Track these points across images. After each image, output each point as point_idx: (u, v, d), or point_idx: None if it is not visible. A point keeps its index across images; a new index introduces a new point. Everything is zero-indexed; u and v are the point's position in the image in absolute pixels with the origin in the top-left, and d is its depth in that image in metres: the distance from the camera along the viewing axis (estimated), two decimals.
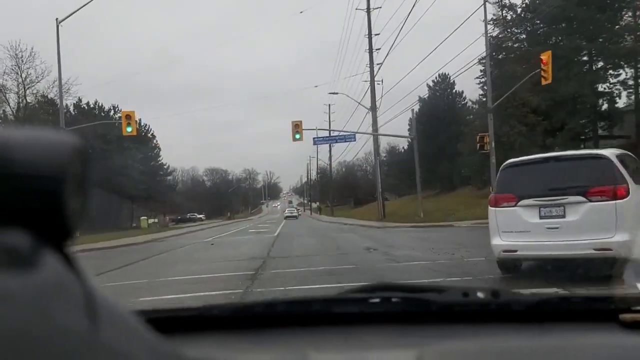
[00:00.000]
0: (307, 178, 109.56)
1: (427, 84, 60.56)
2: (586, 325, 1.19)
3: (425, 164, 63.36)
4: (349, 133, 29.24)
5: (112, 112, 48.08)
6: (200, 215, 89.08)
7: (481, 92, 50.51)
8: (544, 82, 19.05)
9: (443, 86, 61.48)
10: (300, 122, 27.20)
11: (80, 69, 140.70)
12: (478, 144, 23.46)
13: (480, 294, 1.23)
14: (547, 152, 27.65)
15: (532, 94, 29.06)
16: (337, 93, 34.62)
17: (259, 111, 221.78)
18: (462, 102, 61.47)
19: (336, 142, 29.49)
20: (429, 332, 1.17)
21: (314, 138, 28.41)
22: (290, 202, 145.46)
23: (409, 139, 76.82)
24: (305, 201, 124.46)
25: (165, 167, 58.19)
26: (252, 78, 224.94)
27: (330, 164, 67.61)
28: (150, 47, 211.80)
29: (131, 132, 23.98)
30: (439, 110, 59.62)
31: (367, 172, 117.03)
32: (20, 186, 0.39)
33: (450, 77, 60.81)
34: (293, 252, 13.44)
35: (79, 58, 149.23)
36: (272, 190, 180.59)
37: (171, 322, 1.16)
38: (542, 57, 18.54)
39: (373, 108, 32.52)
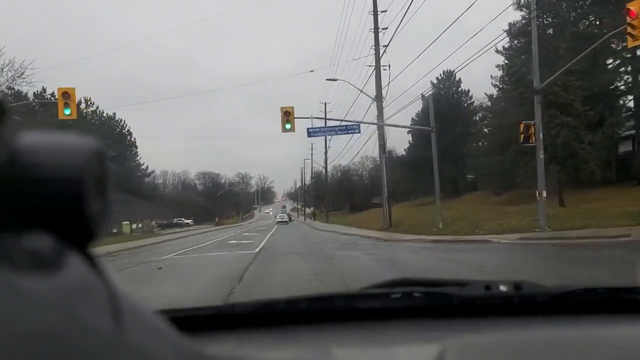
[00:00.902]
0: (301, 182, 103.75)
1: (431, 81, 54.80)
2: (611, 317, 1.15)
3: (427, 167, 57.73)
4: (351, 123, 23.37)
5: (82, 105, 42.06)
6: (188, 221, 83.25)
7: (496, 87, 44.97)
8: (631, 44, 13.38)
9: (448, 84, 55.81)
10: (292, 108, 21.37)
11: (73, 66, 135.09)
12: (522, 135, 17.64)
13: (502, 287, 1.18)
14: (592, 149, 21.60)
15: (575, 77, 23.39)
16: (336, 79, 28.34)
17: (253, 115, 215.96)
18: (468, 102, 55.81)
19: (336, 133, 23.65)
20: (451, 326, 1.15)
21: (308, 129, 22.59)
22: (284, 206, 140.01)
23: (409, 141, 71.32)
24: (299, 206, 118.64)
25: (143, 167, 52.00)
26: (248, 81, 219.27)
27: (326, 165, 61.65)
28: (144, 47, 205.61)
29: (70, 115, 18.07)
30: (443, 109, 53.90)
31: (363, 177, 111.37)
32: (42, 190, 0.39)
33: (455, 74, 55.20)
34: (271, 295, 7.53)
35: (71, 54, 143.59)
36: (265, 196, 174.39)
37: (194, 321, 1.14)
38: (630, 7, 12.82)
39: (378, 97, 26.73)
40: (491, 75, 44.38)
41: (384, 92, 26.86)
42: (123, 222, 60.54)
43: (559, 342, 1.05)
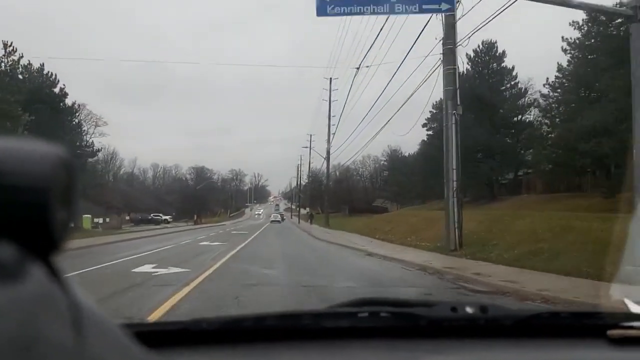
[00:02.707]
0: (297, 178, 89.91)
1: (467, 54, 41.49)
2: (575, 341, 1.14)
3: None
4: None
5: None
6: (167, 217, 70.01)
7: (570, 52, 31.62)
8: None
9: (487, 58, 42.22)
10: None
11: (79, 61, 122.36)
12: None
13: (469, 309, 1.16)
14: None
15: None
16: None
17: (251, 112, 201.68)
18: (513, 82, 42.08)
19: (389, 10, 9.45)
20: (418, 346, 1.12)
21: None
22: (277, 205, 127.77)
23: (427, 133, 57.56)
24: (294, 206, 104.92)
25: (87, 144, 37.85)
26: (247, 77, 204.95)
27: (329, 156, 47.51)
28: (144, 41, 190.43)
29: None
30: (480, 90, 40.51)
31: (363, 178, 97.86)
32: (5, 197, 0.36)
33: (497, 46, 41.76)
34: None
35: (76, 49, 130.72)
36: (260, 194, 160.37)
37: (159, 336, 1.07)
38: None
39: None
40: (562, 37, 31.02)
41: None
42: (84, 216, 46.57)
43: None
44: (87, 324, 0.37)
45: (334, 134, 44.15)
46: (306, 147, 63.60)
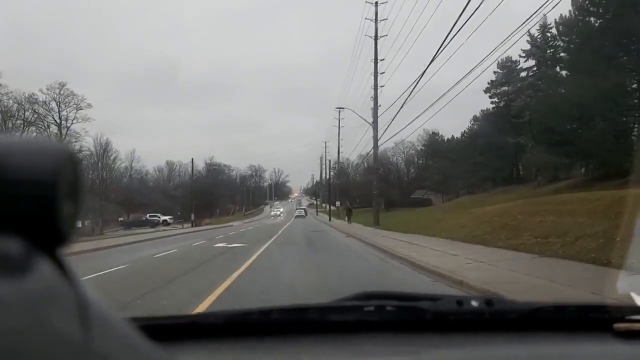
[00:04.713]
0: (324, 166, 74.35)
1: None
2: (580, 334, 1.11)
3: (567, 123, 26.02)
4: None
5: None
6: (166, 217, 55.75)
7: None
8: None
9: None
10: None
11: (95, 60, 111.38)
12: None
13: (474, 303, 1.14)
14: None
15: None
16: None
17: (271, 108, 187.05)
18: None
19: None
20: (424, 340, 1.09)
21: None
22: (300, 201, 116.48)
23: (492, 101, 40.24)
24: (318, 202, 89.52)
25: None
26: (268, 74, 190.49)
27: (376, 107, 30.40)
28: (164, 38, 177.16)
29: None
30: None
31: (398, 168, 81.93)
32: (13, 192, 0.36)
33: None
34: None
35: (94, 49, 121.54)
36: (280, 191, 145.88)
37: (165, 330, 1.06)
38: None
39: None
40: None
41: None
42: None
43: (530, 358, 1.02)
44: (93, 318, 0.36)
45: (383, 86, 28.12)
46: (337, 118, 47.73)
